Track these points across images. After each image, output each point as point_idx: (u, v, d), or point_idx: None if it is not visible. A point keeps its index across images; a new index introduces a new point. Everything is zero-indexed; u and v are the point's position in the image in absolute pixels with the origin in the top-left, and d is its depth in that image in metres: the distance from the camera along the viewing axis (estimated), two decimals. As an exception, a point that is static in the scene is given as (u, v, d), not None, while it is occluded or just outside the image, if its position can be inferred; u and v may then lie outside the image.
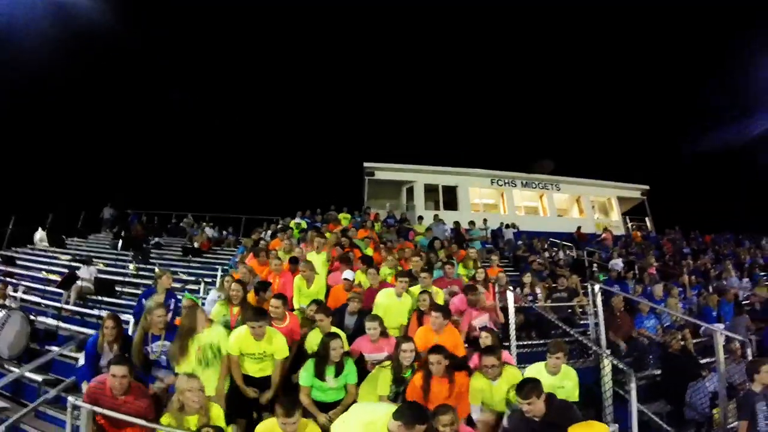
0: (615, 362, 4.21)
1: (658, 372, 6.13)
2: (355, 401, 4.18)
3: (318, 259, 7.34)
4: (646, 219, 22.12)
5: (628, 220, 21.91)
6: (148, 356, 4.40)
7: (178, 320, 4.84)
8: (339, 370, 4.23)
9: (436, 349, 4.16)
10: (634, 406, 3.72)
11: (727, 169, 29.16)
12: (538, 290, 8.47)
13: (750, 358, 5.25)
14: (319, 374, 4.18)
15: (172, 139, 30.26)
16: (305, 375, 4.21)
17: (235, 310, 5.16)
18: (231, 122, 34.39)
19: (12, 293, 8.38)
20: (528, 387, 3.44)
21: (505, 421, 4.19)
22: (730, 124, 27.10)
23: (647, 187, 22.58)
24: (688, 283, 10.49)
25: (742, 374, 4.84)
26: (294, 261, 7.00)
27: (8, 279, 9.40)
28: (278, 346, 4.37)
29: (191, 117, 31.87)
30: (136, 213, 17.50)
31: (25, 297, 8.72)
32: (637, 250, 15.16)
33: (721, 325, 6.84)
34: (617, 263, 11.99)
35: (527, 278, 8.58)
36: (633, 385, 3.78)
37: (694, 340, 6.78)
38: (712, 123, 28.76)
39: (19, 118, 24.23)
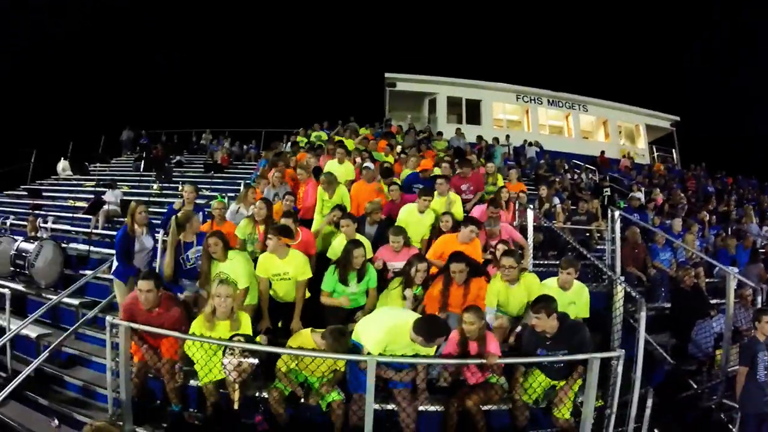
0: (628, 290, 4.24)
1: (668, 305, 6.19)
2: (374, 306, 4.38)
3: (340, 170, 7.21)
4: (673, 151, 21.30)
5: (654, 150, 21.12)
6: (182, 266, 4.52)
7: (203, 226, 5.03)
8: (361, 276, 4.39)
9: (458, 257, 4.25)
10: (642, 334, 3.73)
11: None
12: (556, 200, 8.49)
13: (759, 306, 5.26)
14: (343, 280, 4.34)
15: (187, 55, 29.26)
16: (328, 279, 4.37)
17: (262, 228, 5.13)
18: (249, 34, 32.67)
19: (42, 224, 8.61)
20: (541, 303, 3.55)
21: (518, 328, 4.36)
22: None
23: (677, 119, 21.46)
24: (707, 222, 10.25)
25: (749, 320, 4.88)
26: (317, 171, 6.99)
27: (37, 212, 9.56)
28: (300, 267, 4.41)
29: (207, 30, 30.49)
30: (149, 135, 17.21)
31: (55, 227, 8.97)
32: (659, 182, 14.82)
33: (735, 269, 6.78)
34: (638, 194, 11.68)
35: (543, 191, 8.58)
36: (643, 314, 3.75)
37: (707, 280, 6.78)
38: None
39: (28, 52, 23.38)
